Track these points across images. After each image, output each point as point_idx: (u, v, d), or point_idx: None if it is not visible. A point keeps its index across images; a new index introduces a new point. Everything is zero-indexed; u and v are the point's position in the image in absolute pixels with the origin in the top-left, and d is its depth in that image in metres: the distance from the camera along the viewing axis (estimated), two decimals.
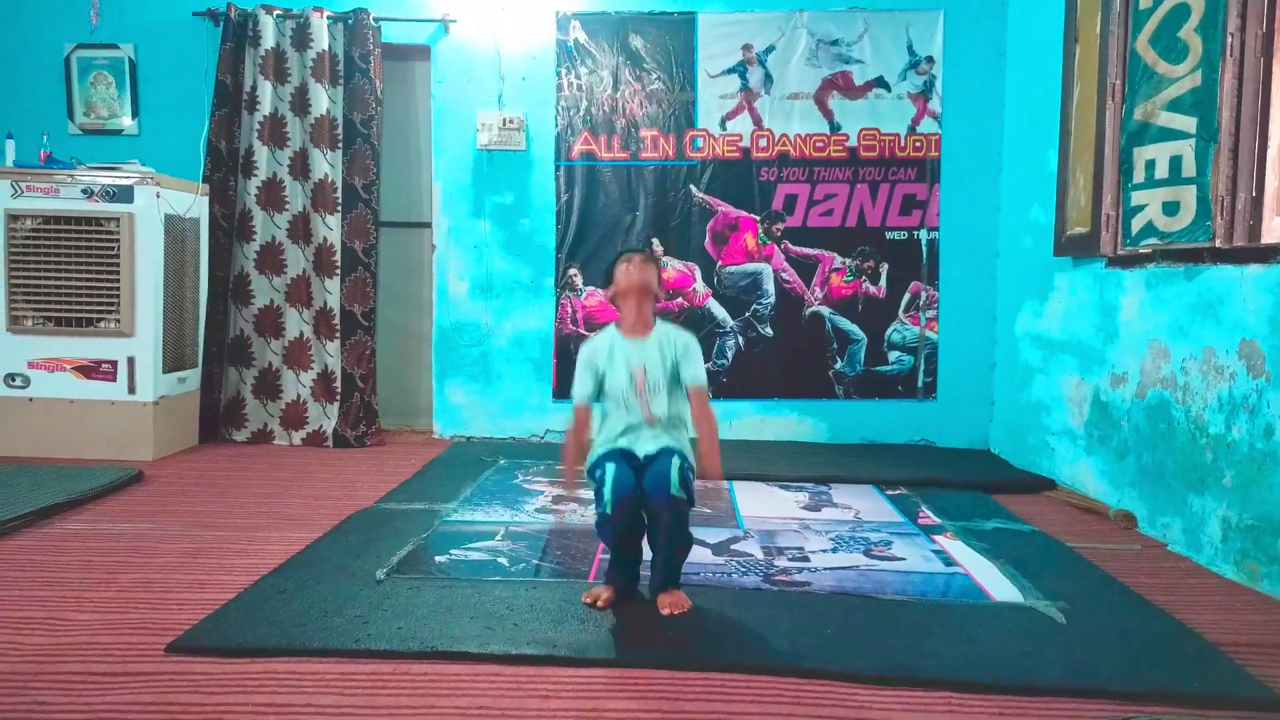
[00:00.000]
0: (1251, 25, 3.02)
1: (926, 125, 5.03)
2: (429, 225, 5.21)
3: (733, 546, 3.15)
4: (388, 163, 5.13)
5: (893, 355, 5.11)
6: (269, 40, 4.89)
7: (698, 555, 3.02)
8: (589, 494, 3.57)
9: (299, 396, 4.97)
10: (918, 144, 5.04)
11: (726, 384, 5.10)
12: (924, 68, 5.02)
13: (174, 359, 4.58)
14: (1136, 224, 3.45)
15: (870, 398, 5.11)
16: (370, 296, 5.00)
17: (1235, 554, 2.98)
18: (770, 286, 5.09)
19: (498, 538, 3.18)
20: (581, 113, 5.05)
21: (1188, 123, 3.20)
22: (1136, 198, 3.46)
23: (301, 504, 3.68)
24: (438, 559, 2.92)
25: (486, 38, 5.04)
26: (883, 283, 5.09)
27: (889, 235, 5.08)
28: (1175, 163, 3.26)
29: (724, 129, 5.06)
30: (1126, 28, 3.71)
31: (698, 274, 5.08)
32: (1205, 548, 3.12)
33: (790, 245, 5.08)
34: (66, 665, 2.14)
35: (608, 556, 2.65)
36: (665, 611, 2.49)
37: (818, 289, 5.09)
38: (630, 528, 2.54)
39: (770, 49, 5.03)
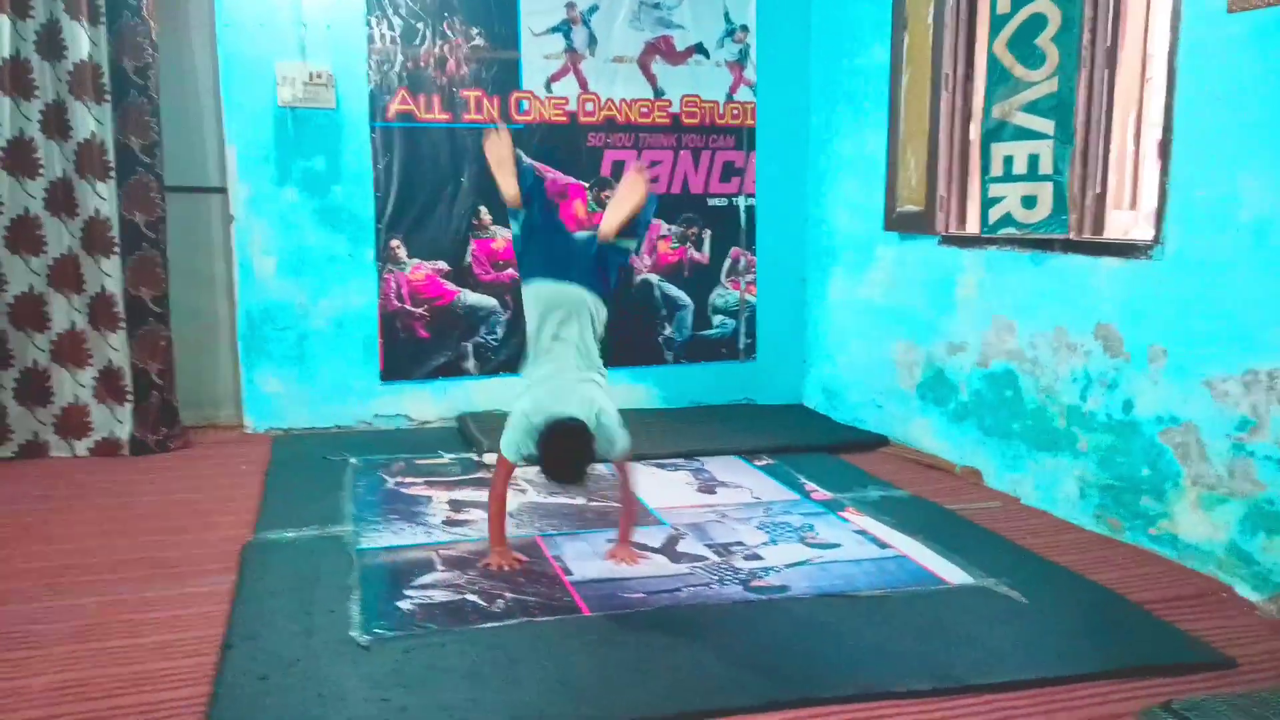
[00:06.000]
0: (1099, 40, 3.40)
1: (743, 93, 5.14)
2: (221, 191, 4.54)
3: (677, 548, 3.14)
4: (168, 120, 4.37)
5: (716, 319, 5.27)
6: None
7: (659, 565, 2.99)
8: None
9: (78, 398, 4.21)
10: (735, 112, 5.14)
11: None
12: (739, 36, 5.10)
13: None
14: (995, 214, 3.80)
15: (698, 361, 5.25)
16: (162, 279, 4.29)
17: (1094, 509, 3.45)
18: None
19: (439, 568, 2.94)
20: (397, 68, 4.60)
21: (1046, 124, 3.55)
22: (994, 190, 3.79)
23: (158, 542, 3.15)
24: (401, 606, 2.64)
25: None
26: (706, 249, 5.20)
27: (711, 202, 5.17)
28: (1033, 160, 3.61)
29: (550, 91, 4.84)
30: (959, 19, 4.01)
31: None
32: (1061, 502, 3.59)
33: None
34: None
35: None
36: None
37: (645, 256, 5.10)
38: None
39: (594, 8, 4.85)
